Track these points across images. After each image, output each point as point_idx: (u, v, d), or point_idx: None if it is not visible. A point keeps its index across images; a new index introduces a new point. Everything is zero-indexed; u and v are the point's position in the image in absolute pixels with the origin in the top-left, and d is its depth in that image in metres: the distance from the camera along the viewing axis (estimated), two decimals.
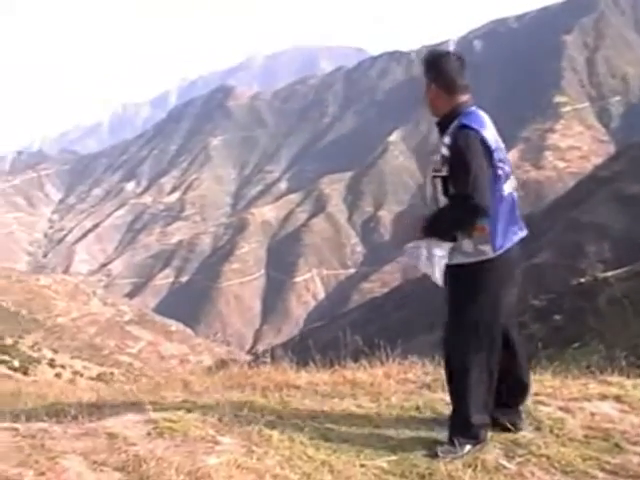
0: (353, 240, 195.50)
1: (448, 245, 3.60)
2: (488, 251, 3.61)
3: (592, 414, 3.94)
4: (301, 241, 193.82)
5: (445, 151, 3.54)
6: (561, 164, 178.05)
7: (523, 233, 3.78)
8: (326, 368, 5.18)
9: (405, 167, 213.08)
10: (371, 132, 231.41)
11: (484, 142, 3.53)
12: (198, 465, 3.23)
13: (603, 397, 4.22)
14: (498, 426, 3.78)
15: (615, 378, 4.71)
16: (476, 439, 3.63)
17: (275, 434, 3.62)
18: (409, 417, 3.96)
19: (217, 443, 3.49)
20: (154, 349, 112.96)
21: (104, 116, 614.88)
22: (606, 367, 4.98)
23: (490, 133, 3.62)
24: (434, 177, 3.61)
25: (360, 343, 5.50)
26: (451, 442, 3.61)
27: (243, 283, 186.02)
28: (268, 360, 5.19)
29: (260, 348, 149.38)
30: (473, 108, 3.68)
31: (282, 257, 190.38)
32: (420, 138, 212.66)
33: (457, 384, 3.70)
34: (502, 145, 3.70)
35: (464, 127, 3.54)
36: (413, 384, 4.61)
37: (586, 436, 3.68)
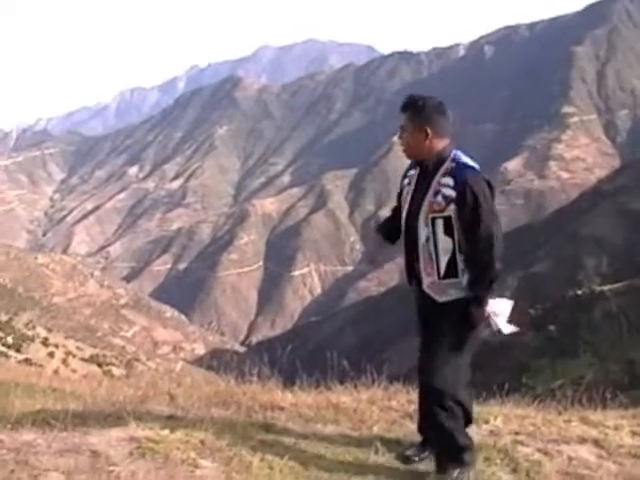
0: (352, 238, 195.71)
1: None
2: None
3: (570, 458, 3.95)
4: (300, 235, 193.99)
5: (449, 192, 3.49)
6: (565, 175, 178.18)
7: None
8: (312, 387, 5.21)
9: None
10: (377, 131, 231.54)
11: (489, 183, 3.56)
12: None
13: (582, 440, 4.23)
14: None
15: (597, 416, 4.73)
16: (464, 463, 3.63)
17: (255, 461, 3.64)
18: (389, 449, 3.98)
19: (197, 467, 3.51)
20: (148, 334, 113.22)
21: (111, 99, 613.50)
22: (591, 394, 5.03)
23: None
24: (433, 218, 3.53)
25: (347, 368, 5.51)
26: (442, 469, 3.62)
27: (240, 274, 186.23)
28: (255, 378, 5.22)
29: (254, 339, 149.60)
30: (457, 150, 3.66)
31: (281, 250, 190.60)
32: None
33: (449, 417, 3.63)
34: None
35: (471, 169, 3.55)
36: (396, 412, 4.63)
37: None
